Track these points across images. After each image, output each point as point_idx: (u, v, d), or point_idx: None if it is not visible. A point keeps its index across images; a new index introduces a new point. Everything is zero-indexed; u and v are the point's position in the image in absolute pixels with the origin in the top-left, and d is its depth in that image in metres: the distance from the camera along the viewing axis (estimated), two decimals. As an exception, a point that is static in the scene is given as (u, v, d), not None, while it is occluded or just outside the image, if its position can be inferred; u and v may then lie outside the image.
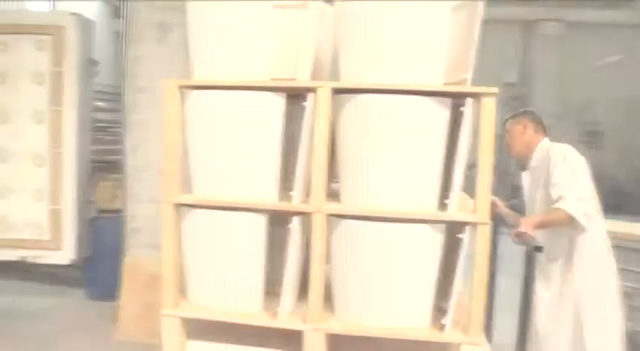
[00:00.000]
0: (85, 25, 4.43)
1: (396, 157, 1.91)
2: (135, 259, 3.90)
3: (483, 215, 1.85)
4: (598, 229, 2.67)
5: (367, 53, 1.94)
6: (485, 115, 1.86)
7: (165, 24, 3.78)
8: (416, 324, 1.98)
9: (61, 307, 4.41)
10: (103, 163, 6.28)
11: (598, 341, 2.63)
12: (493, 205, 2.60)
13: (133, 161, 3.95)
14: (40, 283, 4.95)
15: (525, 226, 2.51)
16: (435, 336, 1.94)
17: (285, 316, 2.00)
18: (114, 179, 4.90)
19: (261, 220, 1.99)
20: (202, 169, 2.07)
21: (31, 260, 4.45)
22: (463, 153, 1.89)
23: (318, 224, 1.93)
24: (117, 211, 4.39)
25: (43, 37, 4.21)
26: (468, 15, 1.98)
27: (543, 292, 2.75)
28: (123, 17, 4.22)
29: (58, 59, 4.31)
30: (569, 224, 2.54)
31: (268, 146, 1.99)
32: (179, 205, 2.07)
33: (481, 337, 1.92)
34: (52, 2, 7.96)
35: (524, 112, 2.94)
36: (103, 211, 4.73)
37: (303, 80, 1.98)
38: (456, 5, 1.99)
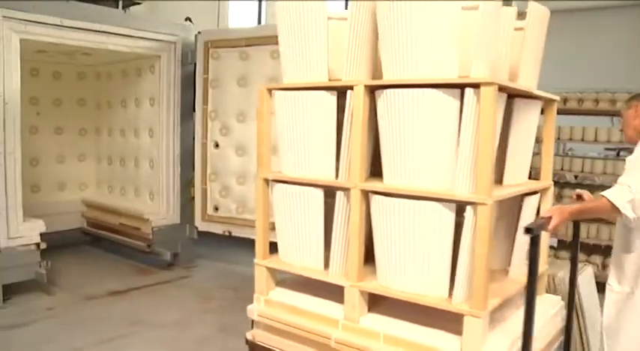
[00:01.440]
0: None
1: (415, 143, 2.25)
2: None
3: (483, 197, 2.05)
4: None
5: (390, 52, 2.31)
6: (484, 104, 2.06)
7: None
8: (433, 293, 2.25)
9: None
10: None
11: None
12: (579, 197, 2.78)
13: None
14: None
15: (556, 215, 2.26)
16: (443, 305, 2.20)
17: (334, 273, 2.53)
18: None
19: (319, 194, 2.53)
20: (285, 154, 2.70)
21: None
22: (467, 140, 2.11)
23: (354, 198, 2.37)
24: None
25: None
26: (489, 16, 2.19)
27: (615, 284, 2.59)
28: None
29: None
30: (614, 213, 2.36)
31: (327, 137, 2.52)
32: (269, 181, 2.75)
33: (483, 310, 2.09)
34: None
35: (638, 95, 2.71)
36: None
37: (336, 80, 2.50)
38: (468, 5, 2.19)
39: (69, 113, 6.35)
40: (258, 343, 2.79)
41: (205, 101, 5.38)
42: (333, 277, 2.53)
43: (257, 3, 10.53)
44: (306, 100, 2.55)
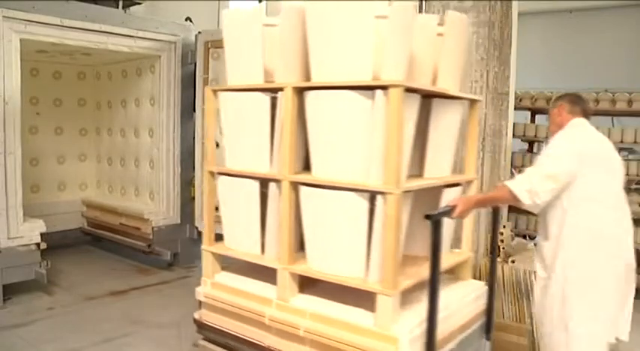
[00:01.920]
0: None
1: (335, 139, 2.55)
2: None
3: (391, 187, 2.32)
4: (584, 214, 2.53)
5: (316, 57, 2.59)
6: (391, 104, 2.32)
7: None
8: (352, 274, 2.53)
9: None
10: None
11: (581, 333, 2.48)
12: None
13: None
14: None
15: (461, 203, 2.51)
16: (360, 285, 2.48)
17: (268, 257, 2.83)
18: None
19: (255, 185, 2.84)
20: (228, 149, 2.99)
21: None
22: (378, 137, 2.37)
23: (284, 189, 2.65)
24: None
25: None
26: (398, 23, 2.43)
27: (539, 270, 2.71)
28: None
29: None
30: (515, 201, 2.54)
31: (262, 134, 2.79)
32: (214, 173, 3.06)
33: (393, 289, 2.36)
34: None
35: (565, 95, 2.91)
36: None
37: (271, 82, 2.79)
38: (381, 13, 2.43)
39: (69, 113, 6.35)
40: (205, 322, 3.08)
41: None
42: (267, 260, 2.83)
43: (257, 3, 10.54)
44: (244, 100, 2.87)
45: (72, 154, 6.44)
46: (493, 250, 3.10)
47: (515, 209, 5.59)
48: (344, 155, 2.53)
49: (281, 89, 2.65)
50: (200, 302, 3.10)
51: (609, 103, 5.22)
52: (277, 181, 2.71)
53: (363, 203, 2.46)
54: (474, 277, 3.29)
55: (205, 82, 5.35)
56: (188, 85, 5.51)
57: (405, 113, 2.41)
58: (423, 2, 4.09)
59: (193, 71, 5.49)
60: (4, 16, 4.17)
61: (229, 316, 2.95)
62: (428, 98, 2.74)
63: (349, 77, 2.46)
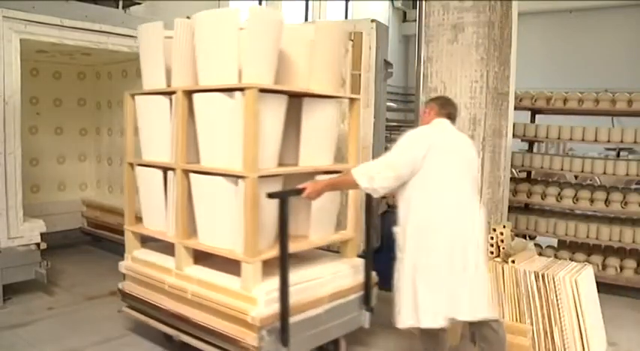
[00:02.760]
0: (382, 31, 4.61)
1: (211, 133, 3.12)
2: None
3: (248, 172, 2.84)
4: (425, 203, 2.76)
5: (199, 64, 3.16)
6: (247, 105, 2.82)
7: (458, 24, 3.89)
8: (227, 246, 3.08)
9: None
10: None
11: (426, 307, 2.72)
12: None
13: None
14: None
15: (310, 186, 2.93)
16: (230, 254, 3.03)
17: (170, 234, 3.40)
18: None
19: (159, 173, 3.47)
20: (142, 143, 3.62)
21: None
22: (240, 131, 2.86)
23: (178, 176, 3.24)
24: None
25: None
26: (255, 35, 2.96)
27: (398, 252, 2.88)
28: (416, 20, 4.33)
29: (357, 63, 4.53)
30: (356, 185, 2.82)
31: (163, 130, 3.39)
32: (132, 165, 3.71)
33: (253, 257, 2.88)
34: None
35: (437, 97, 3.23)
36: (391, 205, 4.83)
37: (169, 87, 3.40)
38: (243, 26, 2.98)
39: (69, 113, 6.35)
40: (127, 291, 3.66)
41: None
42: (169, 236, 3.39)
43: (257, 3, 10.53)
44: (150, 102, 3.49)
45: (72, 154, 6.44)
46: (368, 231, 3.53)
47: (516, 209, 5.61)
48: (219, 146, 3.09)
49: (174, 92, 3.24)
50: (124, 275, 3.71)
51: (609, 103, 5.21)
52: (173, 169, 3.30)
53: (231, 186, 3.00)
54: None
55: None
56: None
57: (270, 111, 2.99)
58: (423, 2, 4.10)
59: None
60: (4, 16, 4.17)
61: (143, 285, 3.54)
62: (299, 98, 3.24)
63: (220, 81, 3.02)
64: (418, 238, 2.76)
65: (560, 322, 3.51)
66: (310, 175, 3.24)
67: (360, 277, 3.44)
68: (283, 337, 2.86)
